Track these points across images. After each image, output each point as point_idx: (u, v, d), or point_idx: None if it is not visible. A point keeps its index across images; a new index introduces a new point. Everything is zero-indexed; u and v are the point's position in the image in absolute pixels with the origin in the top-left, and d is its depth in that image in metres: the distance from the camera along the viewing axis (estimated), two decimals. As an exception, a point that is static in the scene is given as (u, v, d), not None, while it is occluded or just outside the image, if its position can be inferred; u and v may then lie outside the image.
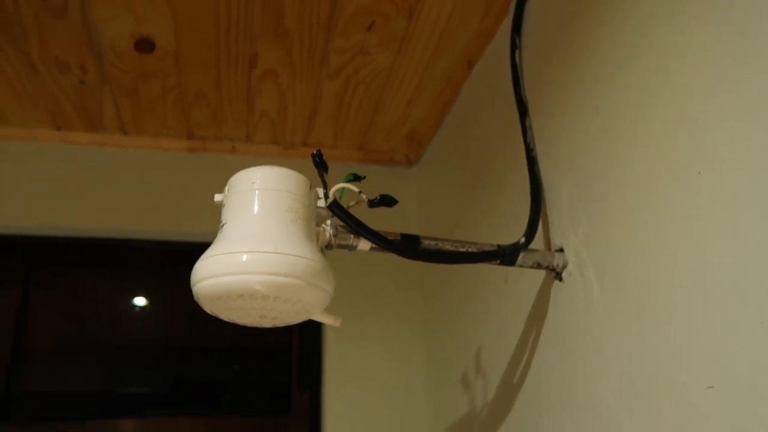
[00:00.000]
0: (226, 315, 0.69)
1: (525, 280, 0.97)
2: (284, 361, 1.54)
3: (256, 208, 0.68)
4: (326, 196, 0.74)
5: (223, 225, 0.69)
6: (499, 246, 0.82)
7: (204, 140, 1.57)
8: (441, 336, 1.42)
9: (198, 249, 0.68)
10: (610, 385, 0.72)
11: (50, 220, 1.45)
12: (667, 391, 0.62)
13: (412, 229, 0.93)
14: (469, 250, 0.80)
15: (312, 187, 0.74)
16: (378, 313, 1.55)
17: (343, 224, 0.75)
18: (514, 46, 1.06)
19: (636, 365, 0.67)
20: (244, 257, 0.64)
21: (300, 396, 1.47)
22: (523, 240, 0.84)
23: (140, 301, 1.55)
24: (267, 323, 0.71)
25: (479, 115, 1.27)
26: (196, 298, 0.67)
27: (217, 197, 0.74)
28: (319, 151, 0.76)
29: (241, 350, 1.56)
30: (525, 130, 0.98)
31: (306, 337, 1.53)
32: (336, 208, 0.74)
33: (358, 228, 0.74)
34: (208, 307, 0.68)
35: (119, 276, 1.57)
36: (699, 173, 0.59)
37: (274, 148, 1.61)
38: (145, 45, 1.19)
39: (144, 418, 1.40)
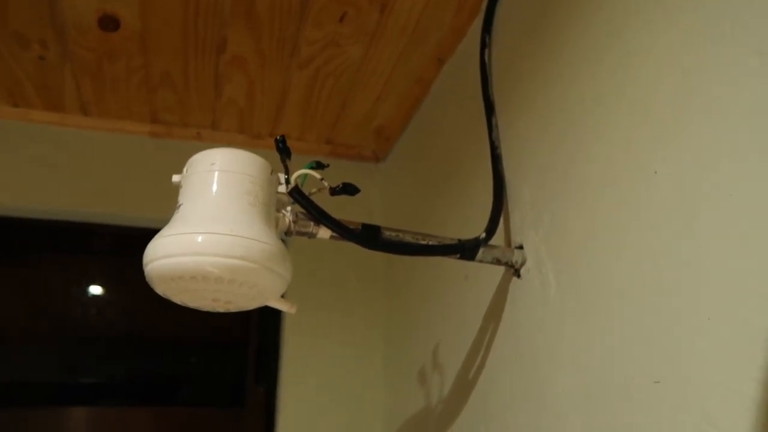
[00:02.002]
0: (178, 297, 0.67)
1: (485, 276, 0.97)
2: (241, 355, 1.52)
3: (214, 189, 0.67)
4: (288, 182, 0.73)
5: (179, 205, 0.68)
6: (459, 240, 0.82)
7: (169, 125, 1.54)
8: (400, 332, 1.41)
9: (159, 236, 0.66)
10: (562, 381, 0.73)
11: (4, 200, 1.40)
12: (616, 387, 0.63)
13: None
14: (430, 243, 0.80)
15: (273, 172, 0.73)
16: (338, 308, 1.54)
17: (303, 211, 0.74)
18: (484, 45, 1.06)
19: (588, 362, 0.68)
20: (199, 238, 0.62)
21: (256, 389, 1.45)
22: (483, 235, 0.84)
23: (98, 288, 1.51)
24: (220, 307, 0.69)
25: (447, 113, 1.28)
26: (148, 279, 0.65)
27: (175, 178, 0.73)
28: (282, 136, 0.75)
29: (199, 343, 1.54)
30: (491, 128, 0.99)
31: (264, 331, 1.51)
32: (297, 194, 0.73)
33: (318, 215, 0.73)
34: (160, 289, 0.66)
35: (76, 261, 1.53)
36: (655, 173, 0.60)
37: (240, 137, 1.59)
38: (109, 23, 1.16)
39: (97, 407, 1.36)
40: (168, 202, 0.70)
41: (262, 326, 1.52)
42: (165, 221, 0.67)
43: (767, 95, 0.48)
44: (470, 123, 1.12)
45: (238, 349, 1.53)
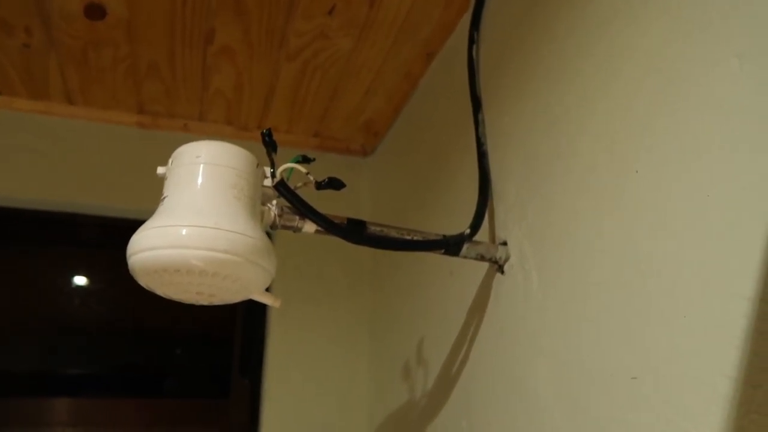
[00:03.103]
0: (162, 290, 0.67)
1: (469, 272, 0.98)
2: (227, 347, 1.52)
3: (199, 182, 0.67)
4: (273, 176, 0.73)
5: (164, 198, 0.68)
6: (444, 236, 0.83)
7: (155, 116, 1.53)
8: (385, 326, 1.42)
9: (144, 228, 0.66)
10: (542, 376, 0.74)
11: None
12: (595, 382, 0.64)
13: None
14: (415, 238, 0.81)
15: (259, 165, 0.73)
16: (324, 302, 1.54)
17: (289, 205, 0.74)
18: (472, 41, 1.07)
19: (568, 356, 0.69)
20: (184, 231, 0.62)
21: (241, 381, 1.45)
22: (468, 231, 0.85)
23: (83, 279, 1.50)
24: (204, 300, 0.69)
25: (435, 108, 1.28)
26: (131, 271, 0.65)
27: (160, 170, 0.72)
28: (268, 129, 0.75)
29: (185, 336, 1.54)
30: (477, 124, 0.99)
31: (250, 324, 1.51)
32: (282, 188, 0.73)
33: (303, 209, 0.73)
34: (144, 281, 0.66)
35: (61, 252, 1.51)
36: (636, 172, 0.61)
37: (228, 128, 1.58)
38: (95, 11, 1.15)
39: (83, 398, 1.36)
40: (154, 193, 0.70)
41: (247, 320, 1.52)
42: (151, 212, 0.66)
43: (745, 97, 0.49)
44: (458, 119, 1.13)
45: (224, 342, 1.53)
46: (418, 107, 1.39)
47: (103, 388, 1.41)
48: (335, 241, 1.66)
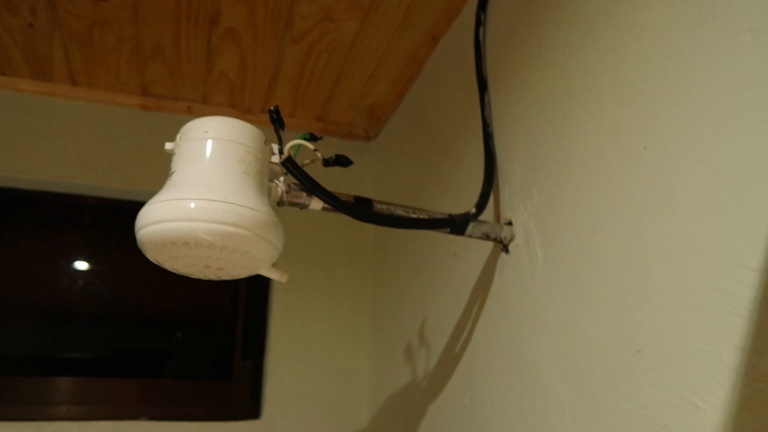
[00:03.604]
0: (170, 264, 0.68)
1: (473, 253, 0.99)
2: (229, 331, 1.52)
3: (207, 157, 0.67)
4: (281, 152, 0.73)
5: (172, 173, 0.68)
6: (450, 215, 0.83)
7: (159, 98, 1.53)
8: (387, 308, 1.43)
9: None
10: (547, 353, 0.74)
11: (-8, 168, 1.39)
12: (600, 357, 0.64)
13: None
14: (420, 216, 0.81)
15: (267, 142, 0.73)
16: (326, 286, 1.55)
17: (296, 182, 0.74)
18: (479, 23, 1.07)
19: (572, 333, 0.70)
20: (192, 204, 0.62)
21: (243, 363, 1.46)
22: (473, 211, 0.85)
23: (84, 262, 1.50)
24: (212, 275, 0.70)
25: (440, 91, 1.28)
26: (139, 245, 0.66)
27: (168, 145, 0.72)
28: (276, 106, 0.75)
29: (186, 320, 1.54)
30: (483, 105, 0.99)
31: (252, 308, 1.52)
32: (290, 164, 0.73)
33: (310, 186, 0.74)
34: (152, 255, 0.66)
35: (63, 234, 1.52)
36: (645, 148, 0.61)
37: (231, 111, 1.58)
38: (101, -10, 1.14)
39: (85, 377, 1.36)
40: (157, 175, 0.71)
41: (250, 303, 1.52)
42: (153, 194, 0.66)
43: (757, 72, 0.49)
44: (463, 101, 1.13)
45: (226, 327, 1.53)
46: (423, 91, 1.39)
47: (104, 371, 1.42)
48: (337, 226, 1.66)
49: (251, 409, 1.39)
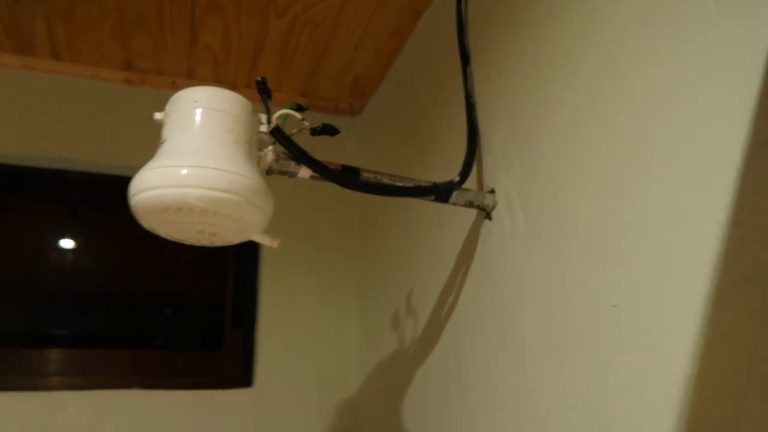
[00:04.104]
0: (164, 230, 0.70)
1: (458, 222, 1.02)
2: (218, 305, 1.54)
3: (197, 126, 0.69)
4: (269, 122, 0.75)
5: (163, 141, 0.69)
6: (434, 183, 0.85)
7: (143, 73, 1.53)
8: (375, 279, 1.46)
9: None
10: (528, 314, 0.78)
11: (-26, 144, 1.39)
12: (577, 315, 0.68)
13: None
14: (406, 184, 0.83)
15: (255, 112, 0.75)
16: (314, 258, 1.57)
17: (284, 151, 0.76)
18: (461, -4, 1.08)
19: (551, 294, 0.73)
20: (184, 171, 0.64)
21: (233, 334, 1.49)
22: (457, 179, 0.88)
23: (72, 238, 1.51)
24: (205, 240, 0.72)
25: (423, 65, 1.30)
26: (133, 212, 0.67)
27: (157, 115, 0.74)
28: (263, 77, 0.77)
29: (175, 295, 1.55)
30: (466, 77, 1.01)
31: (241, 281, 1.54)
32: (278, 133, 0.75)
33: (298, 154, 0.76)
34: (146, 221, 0.68)
35: (47, 209, 1.52)
36: (618, 113, 0.64)
37: (216, 86, 1.58)
38: (83, -38, 1.14)
39: (77, 348, 1.38)
40: (143, 150, 0.72)
41: (239, 277, 1.54)
42: (137, 169, 0.67)
43: (721, 38, 0.52)
44: (446, 74, 1.14)
45: (215, 301, 1.55)
46: (407, 65, 1.41)
47: (95, 345, 1.43)
48: (325, 200, 1.68)
49: (243, 378, 1.43)
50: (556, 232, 0.74)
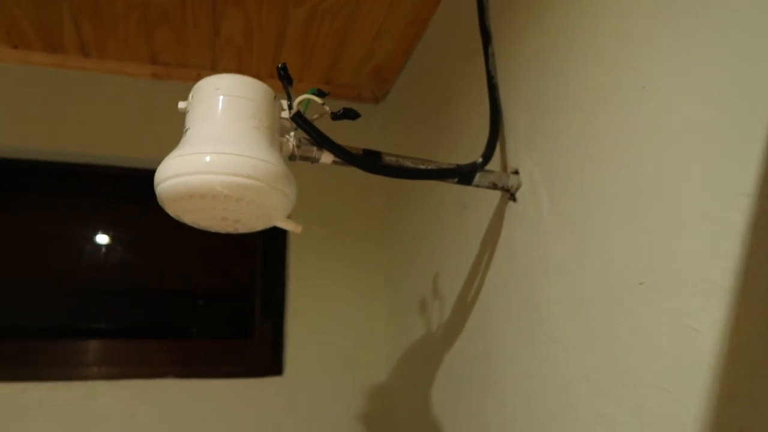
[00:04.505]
0: (189, 217, 0.71)
1: (482, 204, 1.01)
2: (248, 294, 1.56)
3: (220, 113, 0.69)
4: (290, 108, 0.75)
5: (186, 130, 0.71)
6: (457, 165, 0.85)
7: (168, 66, 1.55)
8: (401, 265, 1.46)
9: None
10: (554, 294, 0.77)
11: (10, 141, 1.42)
12: (603, 293, 0.67)
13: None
14: (429, 167, 0.83)
15: (276, 98, 0.75)
16: (341, 245, 1.58)
17: (306, 136, 0.77)
18: (481, -25, 1.06)
19: (578, 273, 0.72)
20: (208, 158, 0.65)
21: (263, 323, 1.51)
22: (480, 160, 0.87)
23: (103, 231, 1.54)
24: (230, 227, 0.73)
25: (445, 48, 1.29)
26: (159, 200, 0.69)
27: (181, 104, 0.75)
28: (283, 64, 0.77)
29: (206, 286, 1.58)
30: (487, 57, 1.00)
31: (269, 270, 1.56)
32: (300, 119, 0.75)
33: (320, 139, 0.76)
34: (171, 209, 0.69)
35: (81, 203, 1.55)
36: (643, 87, 0.63)
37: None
38: (106, -42, 1.15)
39: (112, 339, 1.41)
40: (171, 143, 0.73)
41: (267, 266, 1.56)
42: None
43: (750, 8, 0.50)
44: (468, 56, 1.13)
45: (245, 290, 1.57)
46: (428, 49, 1.40)
47: (129, 336, 1.46)
48: (349, 185, 1.68)
49: (273, 366, 1.44)
50: (580, 212, 0.73)
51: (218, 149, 0.66)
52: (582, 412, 0.70)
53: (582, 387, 0.70)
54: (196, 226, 0.73)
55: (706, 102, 0.54)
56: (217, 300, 1.57)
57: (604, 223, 0.68)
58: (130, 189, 1.56)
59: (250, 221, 0.72)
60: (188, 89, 1.51)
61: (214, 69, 1.56)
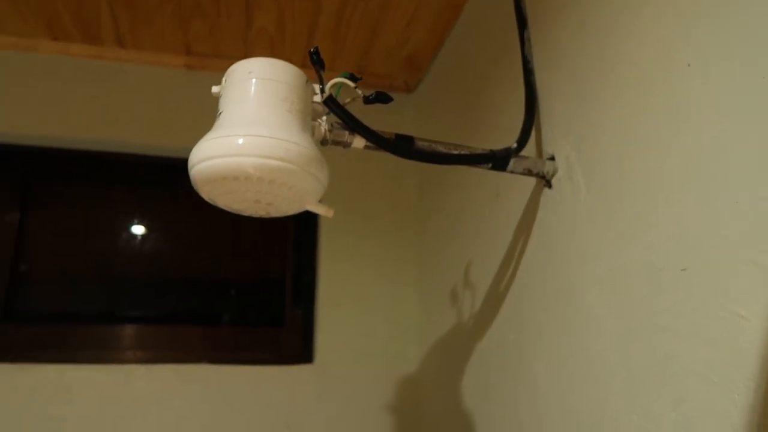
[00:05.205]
0: (222, 200, 0.71)
1: (515, 191, 0.99)
2: (279, 282, 1.57)
3: (252, 96, 0.69)
4: (322, 92, 0.75)
5: (220, 113, 0.71)
6: (491, 150, 0.83)
7: (202, 57, 1.56)
8: (432, 253, 1.45)
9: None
10: (592, 281, 0.75)
11: (50, 130, 1.46)
12: (645, 279, 0.65)
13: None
14: (462, 152, 0.82)
15: (309, 81, 0.75)
16: (371, 233, 1.58)
17: (338, 121, 0.76)
18: (517, -42, 1.04)
19: (617, 260, 0.70)
20: (240, 140, 0.65)
21: (294, 311, 1.51)
22: (515, 145, 0.85)
23: (138, 221, 1.56)
24: (262, 210, 0.73)
25: (479, 35, 1.26)
26: (193, 183, 0.69)
27: (215, 89, 0.75)
28: (316, 48, 0.76)
29: (238, 275, 1.59)
30: (523, 42, 0.98)
31: (300, 257, 1.56)
32: (332, 103, 0.74)
33: (352, 124, 0.75)
34: (205, 192, 0.69)
35: (117, 193, 1.58)
36: (688, 65, 0.60)
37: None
38: (142, -52, 1.17)
39: (147, 325, 1.43)
40: (204, 133, 0.74)
41: (298, 254, 1.57)
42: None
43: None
44: (503, 42, 1.11)
45: (276, 278, 1.58)
46: (462, 37, 1.38)
47: (164, 323, 1.48)
48: (379, 172, 1.67)
49: (304, 353, 1.45)
50: (621, 197, 0.70)
51: (251, 132, 0.65)
52: (619, 404, 0.68)
53: (620, 378, 0.68)
54: (229, 209, 0.73)
55: (757, 79, 0.51)
56: (249, 288, 1.58)
57: (646, 208, 0.65)
58: (164, 178, 1.58)
59: (282, 204, 0.72)
60: (221, 79, 1.52)
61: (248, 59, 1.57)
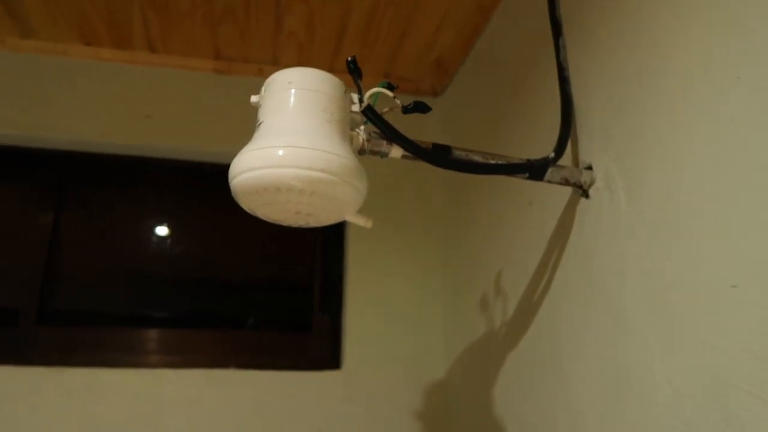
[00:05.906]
0: (262, 211, 0.71)
1: (549, 200, 0.98)
2: (306, 287, 1.57)
3: (292, 106, 0.69)
4: (360, 101, 0.75)
5: (260, 124, 0.71)
6: (528, 160, 0.83)
7: (231, 61, 1.57)
8: (460, 261, 1.44)
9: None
10: (632, 294, 0.74)
11: (82, 134, 1.48)
12: (691, 295, 0.63)
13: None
14: (499, 162, 0.81)
15: (347, 91, 0.75)
16: (398, 241, 1.57)
17: (376, 130, 0.76)
18: (552, -37, 1.03)
19: (660, 273, 0.69)
20: (281, 152, 0.65)
21: (321, 316, 1.51)
22: (552, 155, 0.84)
23: (166, 223, 1.57)
24: (302, 221, 0.73)
25: (510, 40, 1.25)
26: (233, 194, 0.69)
27: (254, 98, 0.75)
28: (353, 57, 0.76)
29: (266, 279, 1.60)
30: (558, 49, 0.97)
31: (328, 264, 1.57)
32: (370, 113, 0.74)
33: (391, 134, 0.75)
34: (245, 202, 0.70)
35: (146, 196, 1.59)
36: (738, 78, 0.59)
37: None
38: (175, -45, 1.18)
39: (172, 328, 1.45)
40: (233, 136, 0.74)
41: (326, 260, 1.57)
42: (229, 155, 0.69)
43: None
44: (535, 48, 1.10)
45: (304, 283, 1.58)
46: (492, 40, 1.37)
47: (192, 326, 1.49)
48: (407, 180, 1.67)
49: (331, 359, 1.45)
50: (664, 209, 0.69)
51: (291, 143, 0.65)
52: (663, 420, 0.67)
53: (664, 394, 0.67)
54: (268, 219, 0.73)
55: (816, 93, 0.50)
56: (276, 293, 1.59)
57: (692, 222, 0.64)
58: (192, 181, 1.59)
59: (322, 215, 0.72)
60: (250, 83, 1.54)
61: (275, 64, 1.58)
